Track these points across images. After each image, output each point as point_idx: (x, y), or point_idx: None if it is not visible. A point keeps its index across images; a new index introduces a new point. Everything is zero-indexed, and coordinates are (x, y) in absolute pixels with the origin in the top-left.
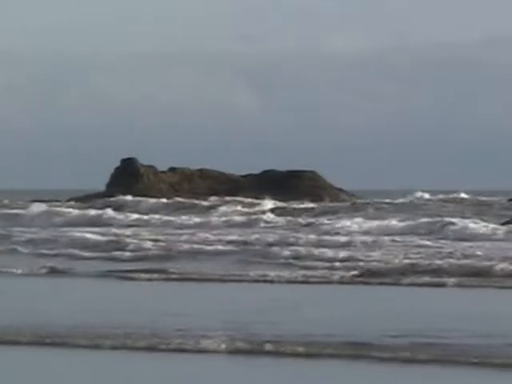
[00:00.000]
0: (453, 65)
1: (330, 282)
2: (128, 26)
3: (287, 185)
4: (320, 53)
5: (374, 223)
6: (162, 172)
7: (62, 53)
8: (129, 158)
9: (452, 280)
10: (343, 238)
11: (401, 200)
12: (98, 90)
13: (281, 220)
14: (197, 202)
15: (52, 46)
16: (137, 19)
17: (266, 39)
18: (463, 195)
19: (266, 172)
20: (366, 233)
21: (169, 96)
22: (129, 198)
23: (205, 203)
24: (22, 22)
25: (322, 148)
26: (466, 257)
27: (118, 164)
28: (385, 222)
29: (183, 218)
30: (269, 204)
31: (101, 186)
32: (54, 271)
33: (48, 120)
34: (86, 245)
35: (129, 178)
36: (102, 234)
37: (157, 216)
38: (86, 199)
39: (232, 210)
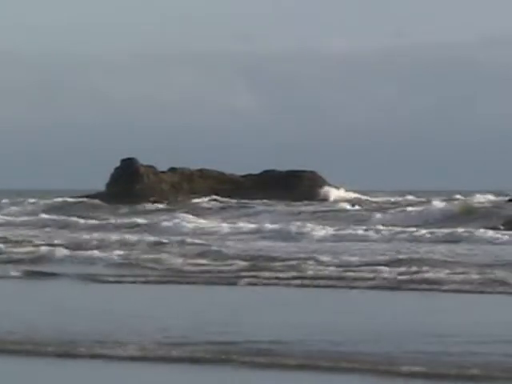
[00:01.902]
0: (452, 65)
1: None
2: (128, 26)
3: (287, 185)
4: (320, 53)
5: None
6: (162, 172)
7: (62, 53)
8: (129, 158)
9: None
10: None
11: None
12: (98, 90)
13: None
14: (107, 205)
15: (52, 45)
16: (137, 19)
17: (266, 39)
18: (409, 197)
19: (266, 172)
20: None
21: (169, 96)
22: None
23: (125, 209)
24: (22, 22)
25: (322, 148)
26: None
27: (118, 164)
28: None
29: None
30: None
31: (101, 186)
32: None
33: (48, 120)
34: None
35: (129, 178)
36: None
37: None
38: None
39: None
